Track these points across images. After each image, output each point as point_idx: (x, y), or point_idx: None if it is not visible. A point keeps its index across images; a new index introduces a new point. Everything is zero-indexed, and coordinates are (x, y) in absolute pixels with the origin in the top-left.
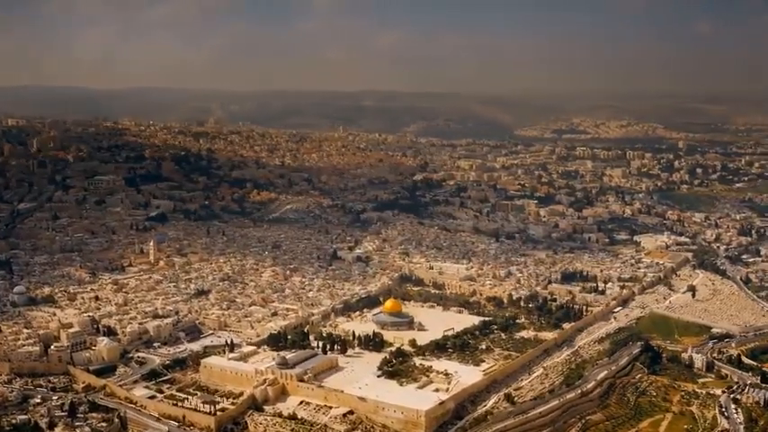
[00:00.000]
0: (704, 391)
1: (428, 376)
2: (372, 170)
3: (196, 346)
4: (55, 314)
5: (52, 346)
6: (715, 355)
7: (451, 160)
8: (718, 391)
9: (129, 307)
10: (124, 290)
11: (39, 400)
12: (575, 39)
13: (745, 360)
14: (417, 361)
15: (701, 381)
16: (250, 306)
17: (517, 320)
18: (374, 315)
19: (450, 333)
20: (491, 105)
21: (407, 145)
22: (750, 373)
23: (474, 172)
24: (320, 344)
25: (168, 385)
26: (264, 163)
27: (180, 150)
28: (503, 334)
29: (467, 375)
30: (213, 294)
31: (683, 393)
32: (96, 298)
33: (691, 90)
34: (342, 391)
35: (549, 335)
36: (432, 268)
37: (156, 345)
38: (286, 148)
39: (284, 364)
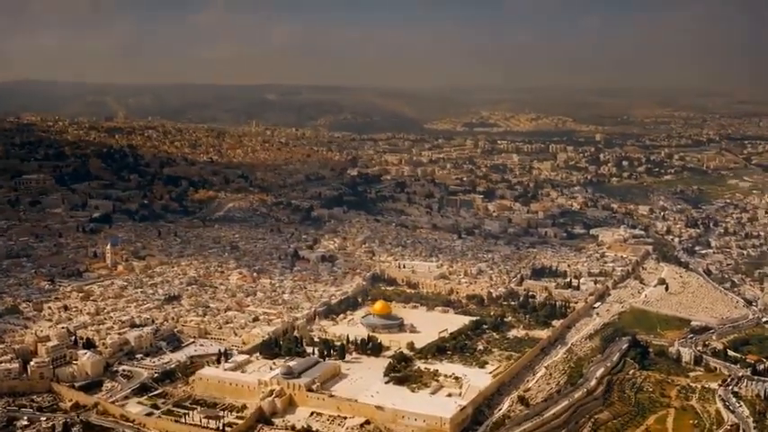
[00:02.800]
0: (699, 386)
1: (438, 381)
2: (305, 166)
3: (181, 356)
4: (26, 327)
5: (32, 362)
6: (700, 348)
7: (377, 155)
8: (713, 385)
9: (102, 316)
10: (92, 298)
11: (26, 422)
12: (471, 35)
13: (731, 353)
14: (420, 365)
15: (692, 375)
16: (226, 311)
17: (505, 319)
18: (363, 318)
19: (444, 335)
20: (394, 99)
21: (327, 139)
22: (738, 366)
23: (406, 167)
24: (315, 350)
25: (162, 400)
26: (194, 159)
27: (100, 147)
28: (495, 334)
29: (476, 378)
30: (185, 300)
31: (678, 388)
32: (65, 308)
33: (581, 84)
34: (356, 401)
35: (541, 333)
36: (404, 267)
37: (138, 356)
38: (208, 143)
39: (290, 374)
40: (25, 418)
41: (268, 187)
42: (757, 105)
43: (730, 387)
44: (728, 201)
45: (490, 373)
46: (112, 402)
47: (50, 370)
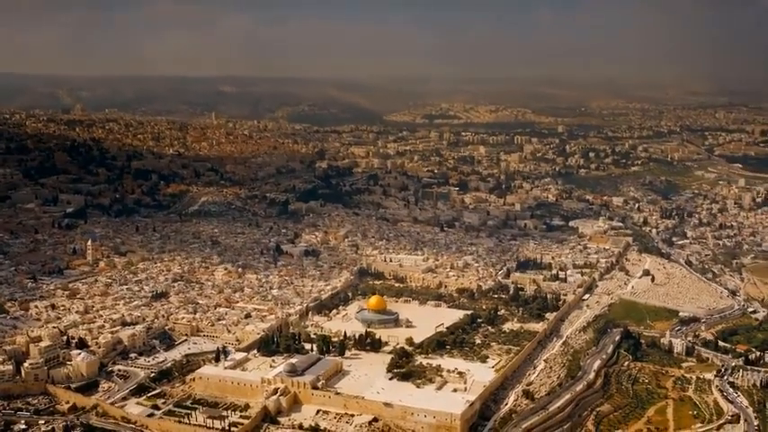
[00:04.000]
0: (694, 376)
1: (442, 376)
2: (273, 158)
3: (175, 355)
4: (15, 327)
5: (26, 364)
6: (690, 339)
7: (344, 147)
8: (707, 375)
9: (92, 315)
10: (78, 296)
11: (23, 426)
12: (427, 27)
13: (721, 343)
14: (422, 360)
15: (685, 365)
16: (215, 308)
17: (498, 313)
18: (358, 313)
19: (441, 329)
20: (350, 91)
21: (290, 131)
22: (729, 356)
23: (375, 159)
24: (313, 346)
25: (162, 400)
26: (160, 153)
27: (63, 140)
28: (490, 327)
29: (479, 373)
30: (173, 297)
31: (673, 379)
32: (52, 306)
33: (534, 75)
34: (363, 398)
35: (536, 326)
36: (390, 261)
37: (132, 355)
38: (171, 136)
39: (293, 372)
40: (23, 421)
41: (240, 181)
42: (709, 97)
43: (726, 377)
44: (696, 191)
45: (492, 367)
46: (112, 404)
47: (45, 371)
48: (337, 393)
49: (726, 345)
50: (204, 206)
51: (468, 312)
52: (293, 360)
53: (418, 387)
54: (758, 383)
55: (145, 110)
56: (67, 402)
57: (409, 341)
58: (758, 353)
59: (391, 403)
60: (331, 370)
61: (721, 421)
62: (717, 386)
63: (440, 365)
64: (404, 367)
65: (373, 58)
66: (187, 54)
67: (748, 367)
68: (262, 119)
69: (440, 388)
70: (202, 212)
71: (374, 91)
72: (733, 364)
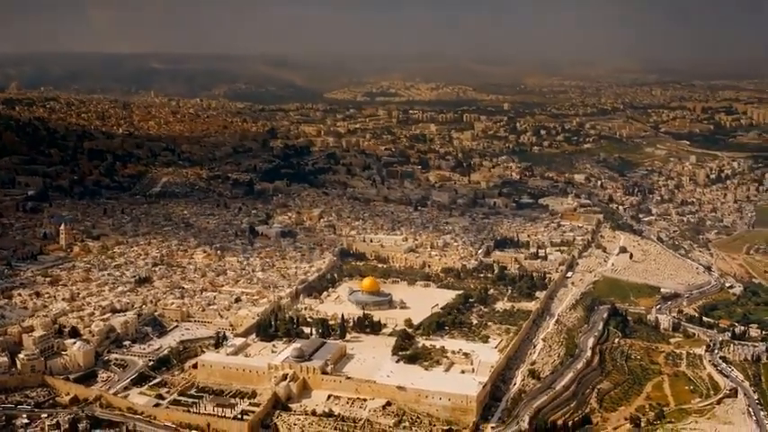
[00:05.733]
0: (684, 352)
1: (448, 358)
2: (226, 137)
3: (170, 342)
4: (3, 316)
5: (21, 355)
6: (675, 315)
7: (294, 125)
8: (697, 351)
9: (79, 302)
10: (61, 282)
11: (26, 420)
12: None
13: (704, 318)
14: (424, 342)
15: (673, 341)
16: (201, 292)
17: (488, 292)
18: (351, 294)
19: (436, 310)
20: (284, 68)
21: (235, 110)
22: (715, 331)
23: (330, 138)
24: (312, 330)
25: (165, 389)
26: (110, 132)
27: (6, 119)
28: (483, 307)
29: (484, 354)
30: (158, 282)
31: (664, 354)
32: (37, 294)
33: (465, 53)
34: (375, 382)
35: (527, 305)
36: (371, 241)
37: (126, 343)
38: (117, 115)
39: (301, 357)
40: (24, 415)
41: (198, 161)
42: (638, 74)
43: (716, 352)
44: (650, 168)
45: (496, 347)
46: (114, 394)
47: (42, 362)
48: (348, 378)
49: (709, 320)
50: (166, 187)
51: (460, 293)
52: (299, 345)
53: (426, 369)
54: (749, 357)
55: (77, 87)
56: (67, 394)
57: (408, 323)
58: (741, 327)
59: (405, 387)
60: (336, 354)
61: (720, 396)
62: (710, 361)
63: (443, 347)
64: (408, 349)
65: (300, 36)
66: (112, 31)
67: (738, 342)
68: (198, 96)
69: (447, 370)
70: (167, 194)
71: (308, 69)
72: (720, 338)
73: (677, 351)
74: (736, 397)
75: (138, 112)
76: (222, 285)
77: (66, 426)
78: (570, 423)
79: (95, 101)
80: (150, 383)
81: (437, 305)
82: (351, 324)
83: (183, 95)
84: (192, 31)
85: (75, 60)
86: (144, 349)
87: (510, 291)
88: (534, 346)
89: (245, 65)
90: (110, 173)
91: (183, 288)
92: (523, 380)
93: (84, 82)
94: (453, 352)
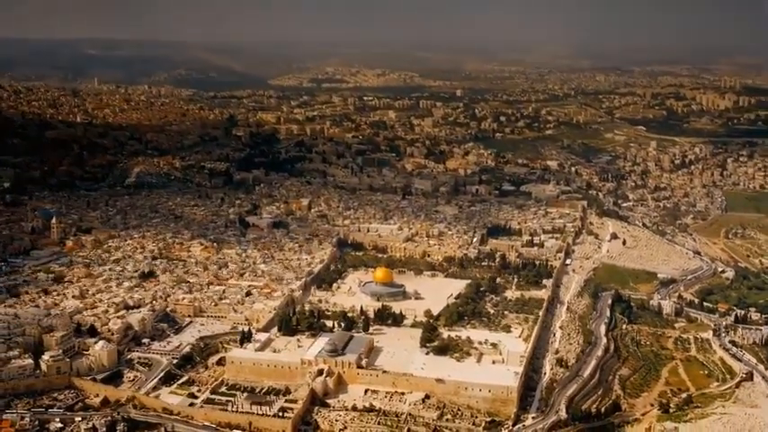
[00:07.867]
0: (691, 336)
1: (476, 349)
2: (189, 126)
3: (188, 338)
4: (17, 315)
5: (46, 356)
6: (676, 300)
7: (251, 113)
8: (704, 335)
9: (90, 299)
10: (66, 279)
11: (59, 425)
12: None
13: (705, 303)
14: (447, 333)
15: (677, 326)
16: (208, 286)
17: (496, 281)
18: (363, 286)
19: (451, 300)
20: (223, 54)
21: (187, 97)
22: (716, 315)
23: (294, 126)
24: (334, 323)
25: (196, 388)
26: (67, 121)
27: None
28: (494, 296)
29: (510, 344)
30: (162, 276)
31: (673, 340)
32: (45, 291)
33: (398, 38)
34: (412, 375)
35: (537, 293)
36: (368, 231)
37: (144, 341)
38: (68, 103)
39: (335, 351)
40: (57, 419)
41: (166, 150)
42: (571, 60)
43: (723, 337)
44: (613, 154)
45: (519, 337)
46: (145, 394)
47: (68, 363)
48: (385, 372)
49: (709, 305)
50: (141, 177)
51: (469, 282)
52: (330, 338)
53: (458, 361)
54: (758, 341)
55: (12, 74)
56: (97, 395)
57: (428, 314)
58: (741, 311)
59: (443, 379)
60: (367, 347)
61: (737, 380)
62: (720, 345)
63: (469, 337)
64: (435, 341)
65: (233, 23)
66: (38, 16)
67: (743, 326)
68: (140, 83)
69: (479, 361)
70: (144, 185)
71: (248, 55)
72: (724, 323)
73: (684, 336)
74: (753, 380)
75: (90, 100)
76: (227, 279)
77: (104, 429)
78: (603, 410)
79: (43, 88)
80: (179, 382)
81: (452, 295)
82: (372, 316)
83: (124, 82)
84: (121, 15)
85: (3, 47)
86: (164, 347)
87: (516, 279)
88: (554, 335)
89: (182, 51)
90: (78, 163)
91: (190, 282)
92: (552, 369)
93: (20, 69)
94: (480, 342)
